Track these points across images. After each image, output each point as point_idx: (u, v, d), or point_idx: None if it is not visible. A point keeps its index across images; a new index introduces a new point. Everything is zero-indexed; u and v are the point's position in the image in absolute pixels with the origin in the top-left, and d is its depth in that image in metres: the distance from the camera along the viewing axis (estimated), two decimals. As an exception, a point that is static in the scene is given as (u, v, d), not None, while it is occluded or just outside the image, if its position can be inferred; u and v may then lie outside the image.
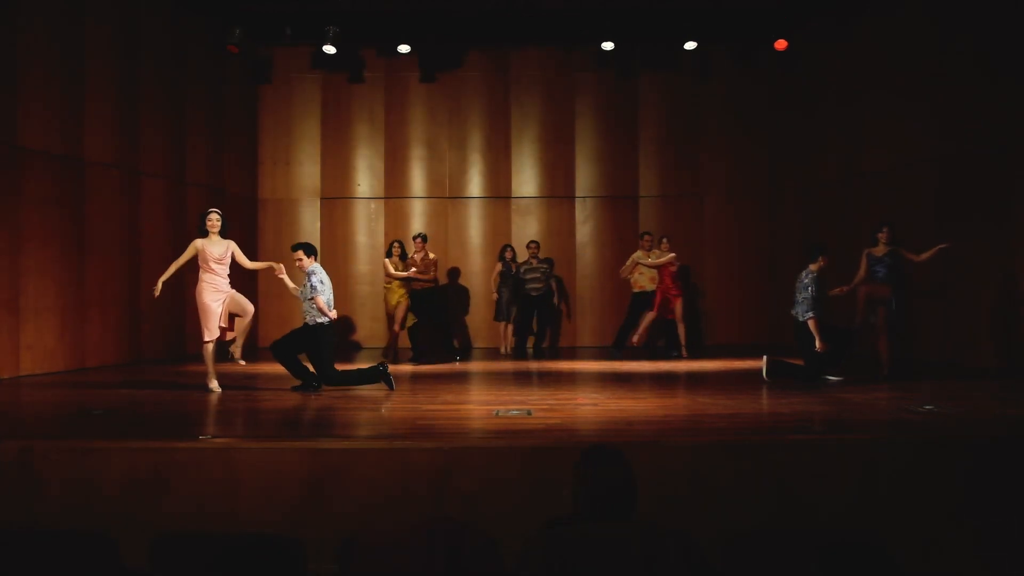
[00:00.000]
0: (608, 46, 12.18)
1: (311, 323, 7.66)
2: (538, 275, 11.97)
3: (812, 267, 7.95)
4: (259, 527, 4.69)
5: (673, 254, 11.22)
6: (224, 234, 7.80)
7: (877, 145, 10.93)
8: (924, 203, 10.01)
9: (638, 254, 11.23)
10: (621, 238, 13.08)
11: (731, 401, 7.10)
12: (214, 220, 7.75)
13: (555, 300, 12.38)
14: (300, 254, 7.76)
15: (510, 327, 12.10)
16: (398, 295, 10.89)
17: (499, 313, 12.04)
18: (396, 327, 10.95)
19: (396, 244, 11.21)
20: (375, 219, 13.39)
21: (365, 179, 13.40)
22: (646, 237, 11.31)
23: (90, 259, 9.94)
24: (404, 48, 12.44)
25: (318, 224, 13.28)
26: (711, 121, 13.29)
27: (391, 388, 7.65)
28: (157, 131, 11.18)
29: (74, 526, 4.47)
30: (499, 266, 12.09)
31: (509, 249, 12.06)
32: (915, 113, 10.21)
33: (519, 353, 11.96)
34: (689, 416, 6.52)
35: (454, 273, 13.16)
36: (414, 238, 11.28)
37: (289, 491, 4.98)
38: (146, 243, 10.92)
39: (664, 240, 11.36)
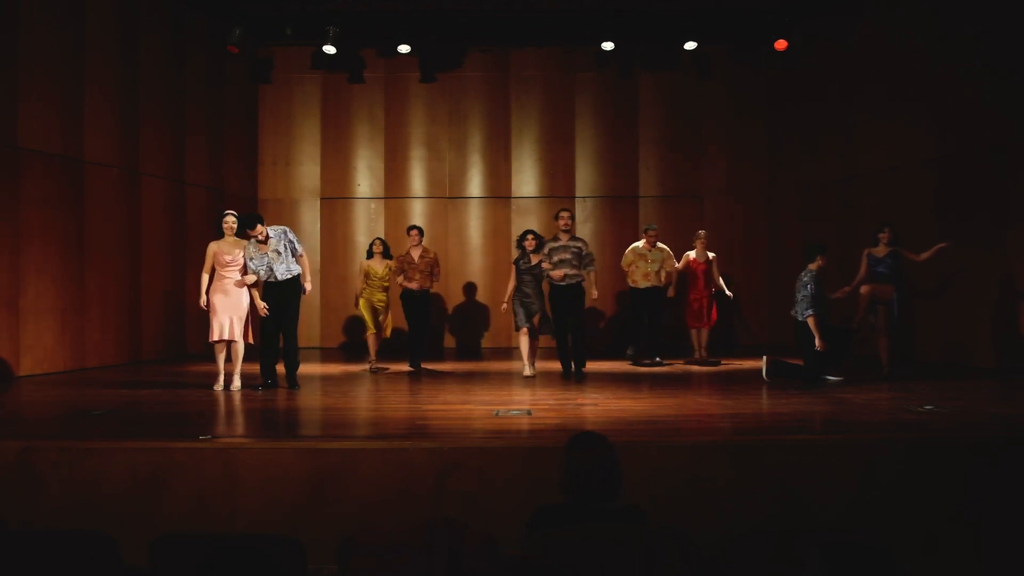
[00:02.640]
0: (608, 46, 12.17)
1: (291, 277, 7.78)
2: (568, 256, 8.73)
3: (811, 267, 7.99)
4: (259, 527, 4.70)
5: (713, 254, 10.60)
6: (241, 235, 7.88)
7: (877, 145, 10.93)
8: (923, 202, 10.01)
9: (639, 245, 10.36)
10: (621, 238, 13.06)
11: (731, 401, 7.11)
12: (230, 222, 7.86)
13: (593, 295, 9.00)
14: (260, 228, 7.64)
15: (528, 340, 8.89)
16: (379, 297, 9.55)
17: (516, 317, 8.90)
18: (386, 332, 9.68)
19: (378, 242, 9.82)
20: (375, 219, 13.38)
21: (365, 179, 13.40)
22: (650, 232, 10.35)
23: (90, 259, 9.94)
24: (404, 48, 12.44)
25: (318, 224, 13.27)
26: (711, 121, 13.29)
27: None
28: (157, 131, 11.18)
29: (74, 526, 4.48)
30: (517, 253, 9.16)
31: (531, 235, 8.99)
32: (914, 113, 10.21)
33: (564, 372, 8.88)
34: (689, 416, 6.53)
35: (451, 276, 13.16)
36: (409, 230, 9.87)
37: (289, 491, 4.98)
38: (146, 243, 10.93)
39: (701, 234, 10.63)
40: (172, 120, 11.52)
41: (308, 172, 13.41)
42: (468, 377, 9.28)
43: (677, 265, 10.43)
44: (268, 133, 13.40)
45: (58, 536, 3.02)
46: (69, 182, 9.66)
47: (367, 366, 9.80)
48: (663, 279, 10.35)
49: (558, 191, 13.33)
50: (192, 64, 11.90)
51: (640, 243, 10.47)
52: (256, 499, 4.97)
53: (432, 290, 10.11)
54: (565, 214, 8.99)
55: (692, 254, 10.56)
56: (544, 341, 9.45)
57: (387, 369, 9.71)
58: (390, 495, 4.92)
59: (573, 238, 8.93)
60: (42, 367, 9.20)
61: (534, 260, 8.86)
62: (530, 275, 8.84)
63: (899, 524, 4.76)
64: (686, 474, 4.99)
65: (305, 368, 8.91)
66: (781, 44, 11.84)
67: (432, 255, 9.81)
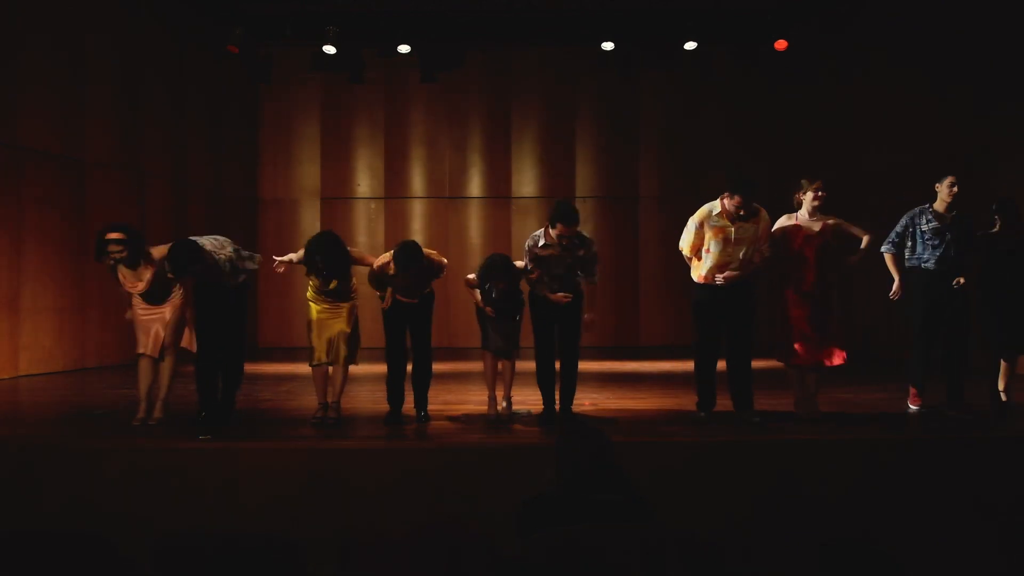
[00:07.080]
0: (608, 46, 12.19)
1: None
2: (562, 271, 6.20)
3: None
4: (259, 527, 4.70)
5: (832, 220, 6.20)
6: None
7: (877, 145, 10.93)
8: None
9: (706, 210, 5.98)
10: (621, 239, 13.07)
11: (731, 401, 7.08)
12: (113, 253, 6.22)
13: (584, 314, 6.46)
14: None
15: (503, 364, 6.45)
16: (325, 307, 6.09)
17: (486, 337, 6.44)
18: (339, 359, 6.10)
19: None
20: (375, 219, 13.39)
21: (365, 179, 13.41)
22: (730, 198, 5.98)
23: (90, 259, 9.90)
24: (404, 48, 12.44)
25: (318, 224, 13.26)
26: (711, 121, 13.28)
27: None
28: (157, 131, 11.19)
29: (74, 526, 4.48)
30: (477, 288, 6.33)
31: (501, 279, 6.24)
32: (914, 112, 10.21)
33: (545, 414, 6.23)
34: (689, 416, 6.51)
35: (450, 276, 13.13)
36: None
37: (289, 491, 4.98)
38: (146, 243, 10.90)
39: (816, 185, 6.25)
40: (172, 120, 11.52)
41: (308, 172, 13.41)
42: (468, 377, 9.27)
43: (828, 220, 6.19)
44: (268, 133, 13.40)
45: (58, 536, 3.01)
46: (69, 182, 9.67)
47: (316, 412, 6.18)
48: (753, 271, 5.97)
49: (558, 191, 13.31)
50: (192, 64, 11.91)
51: (715, 205, 5.99)
52: (256, 499, 4.97)
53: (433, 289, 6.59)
54: (561, 231, 6.00)
55: (797, 220, 6.14)
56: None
57: (333, 419, 6.05)
58: (390, 495, 4.92)
59: (580, 238, 6.15)
60: (41, 367, 9.20)
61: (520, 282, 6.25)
62: (501, 306, 6.32)
63: (899, 524, 4.76)
64: (686, 474, 4.99)
65: (299, 368, 8.86)
66: (781, 44, 11.84)
67: (426, 259, 6.00)
